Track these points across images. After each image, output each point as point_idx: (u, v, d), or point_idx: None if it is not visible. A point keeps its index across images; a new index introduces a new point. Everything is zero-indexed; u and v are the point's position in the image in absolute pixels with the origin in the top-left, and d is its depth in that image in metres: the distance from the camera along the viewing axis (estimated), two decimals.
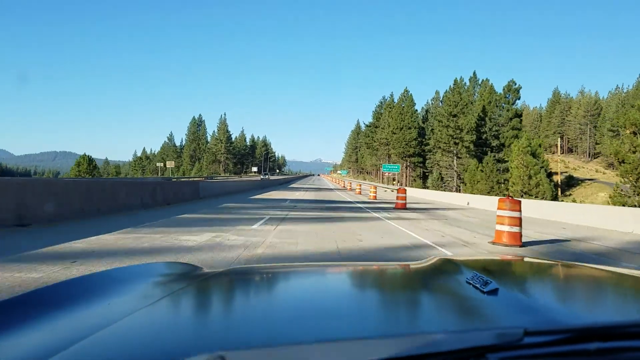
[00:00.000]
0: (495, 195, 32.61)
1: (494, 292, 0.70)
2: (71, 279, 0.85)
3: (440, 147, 48.41)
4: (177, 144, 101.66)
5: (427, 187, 46.67)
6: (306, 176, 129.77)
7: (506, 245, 6.18)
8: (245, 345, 0.49)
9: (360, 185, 29.78)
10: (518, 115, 45.95)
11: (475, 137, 45.34)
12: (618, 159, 27.20)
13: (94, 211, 7.50)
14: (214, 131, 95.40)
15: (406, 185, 52.22)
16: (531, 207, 12.84)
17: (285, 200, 16.17)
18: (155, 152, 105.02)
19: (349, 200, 18.58)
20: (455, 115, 45.93)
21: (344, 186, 41.32)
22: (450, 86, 48.47)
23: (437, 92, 70.74)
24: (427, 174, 57.51)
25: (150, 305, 0.69)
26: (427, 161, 56.98)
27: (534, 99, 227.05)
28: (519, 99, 46.15)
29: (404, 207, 13.73)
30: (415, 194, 27.47)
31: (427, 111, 69.40)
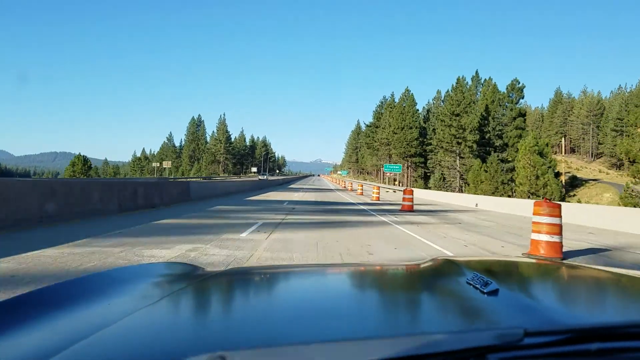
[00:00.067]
0: (500, 196, 31.61)
1: (494, 292, 0.70)
2: (71, 279, 0.85)
3: (442, 147, 47.39)
4: (177, 144, 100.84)
5: (429, 188, 45.59)
6: (306, 176, 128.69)
7: (544, 258, 5.14)
8: (246, 346, 0.49)
9: (361, 185, 28.72)
10: (522, 114, 45.07)
11: (478, 137, 44.34)
12: (629, 158, 26.20)
13: (55, 217, 6.43)
14: (213, 131, 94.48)
15: (407, 186, 51.19)
16: None
17: (284, 201, 15.13)
18: (155, 153, 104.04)
19: (351, 201, 17.52)
20: (457, 115, 44.92)
21: (344, 187, 40.23)
22: (452, 85, 47.45)
23: (438, 92, 69.73)
24: (428, 174, 56.50)
25: (151, 305, 0.69)
26: (429, 161, 55.99)
27: (535, 99, 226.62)
28: (522, 98, 45.32)
29: (411, 210, 12.70)
30: (419, 195, 26.39)
31: (428, 111, 68.34)
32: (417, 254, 5.04)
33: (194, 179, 37.31)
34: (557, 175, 32.88)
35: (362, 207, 14.29)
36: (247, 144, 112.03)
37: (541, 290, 0.91)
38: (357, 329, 0.59)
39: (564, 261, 1.90)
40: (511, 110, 44.32)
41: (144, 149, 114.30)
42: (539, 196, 30.02)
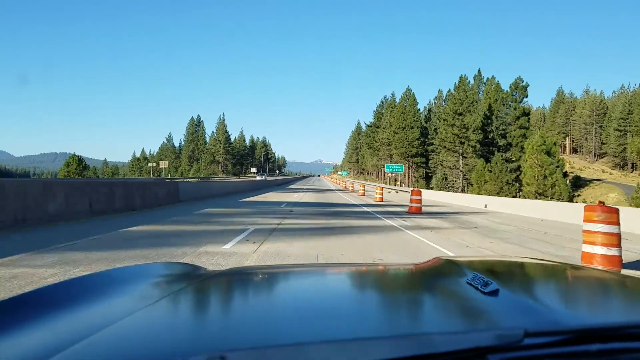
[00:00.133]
0: (505, 196, 30.54)
1: (494, 292, 0.70)
2: (71, 279, 0.84)
3: (445, 147, 46.32)
4: (176, 144, 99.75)
5: (431, 188, 44.48)
6: (306, 177, 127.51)
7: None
8: (246, 346, 0.49)
9: (363, 186, 27.67)
10: (526, 113, 44.15)
11: (481, 136, 43.34)
12: None
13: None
14: (212, 132, 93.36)
15: (409, 186, 50.13)
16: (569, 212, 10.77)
17: (282, 203, 14.09)
18: (155, 153, 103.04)
19: (354, 202, 16.46)
20: (460, 114, 43.89)
21: (345, 187, 39.14)
22: (455, 83, 46.41)
23: (439, 91, 68.72)
24: (430, 174, 55.45)
25: (151, 305, 0.68)
26: (430, 161, 54.94)
27: (536, 99, 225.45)
28: (526, 96, 44.40)
29: (419, 212, 11.66)
30: (424, 196, 25.35)
31: (429, 110, 67.25)
32: None
33: (192, 179, 36.28)
34: (565, 175, 31.83)
35: (365, 208, 13.25)
36: (247, 144, 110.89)
37: (541, 291, 0.90)
38: (357, 329, 0.59)
39: (566, 262, 1.36)
40: (515, 109, 43.35)
41: (143, 149, 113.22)
42: (546, 196, 28.95)
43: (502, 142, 44.08)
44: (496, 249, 5.68)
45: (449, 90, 49.15)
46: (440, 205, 17.12)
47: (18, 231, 5.44)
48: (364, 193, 24.17)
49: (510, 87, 44.35)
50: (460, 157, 45.70)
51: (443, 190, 39.82)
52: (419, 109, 60.68)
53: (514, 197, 31.71)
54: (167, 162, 58.85)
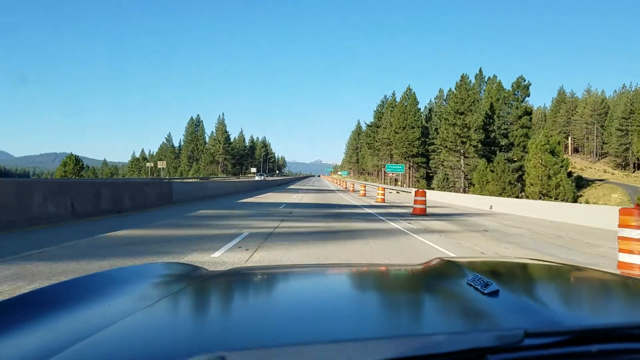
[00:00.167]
0: (508, 197, 30.02)
1: (494, 293, 0.70)
2: (71, 279, 0.83)
3: (446, 146, 45.79)
4: (176, 144, 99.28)
5: (432, 188, 43.93)
6: (306, 177, 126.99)
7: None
8: (246, 346, 0.49)
9: (364, 186, 27.15)
10: (528, 113, 43.68)
11: (483, 136, 42.85)
12: None
13: None
14: (212, 132, 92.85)
15: (409, 186, 49.61)
16: (594, 215, 10.26)
17: (280, 204, 13.58)
18: (154, 153, 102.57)
19: (355, 203, 15.94)
20: (462, 113, 43.36)
21: (345, 187, 38.62)
22: (456, 82, 45.86)
23: (440, 90, 68.14)
24: (430, 174, 54.95)
25: (151, 305, 0.68)
26: (431, 161, 54.43)
27: (537, 98, 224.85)
28: (528, 96, 43.93)
29: (423, 213, 11.15)
30: (427, 197, 24.84)
31: (430, 110, 66.70)
32: None
33: (191, 180, 35.74)
34: (570, 175, 31.33)
35: (367, 210, 12.73)
36: (247, 144, 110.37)
37: (542, 291, 0.89)
38: (357, 330, 0.59)
39: (568, 264, 1.39)
40: (517, 108, 42.86)
41: (142, 149, 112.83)
42: (550, 197, 28.44)
43: (503, 142, 43.59)
44: (510, 254, 5.16)
45: (450, 90, 48.62)
46: (443, 206, 16.63)
47: None
48: (364, 194, 23.67)
49: (512, 86, 43.85)
50: (462, 157, 45.19)
51: (444, 190, 39.30)
52: (420, 109, 60.17)
53: (516, 197, 31.22)
54: (165, 162, 58.25)
